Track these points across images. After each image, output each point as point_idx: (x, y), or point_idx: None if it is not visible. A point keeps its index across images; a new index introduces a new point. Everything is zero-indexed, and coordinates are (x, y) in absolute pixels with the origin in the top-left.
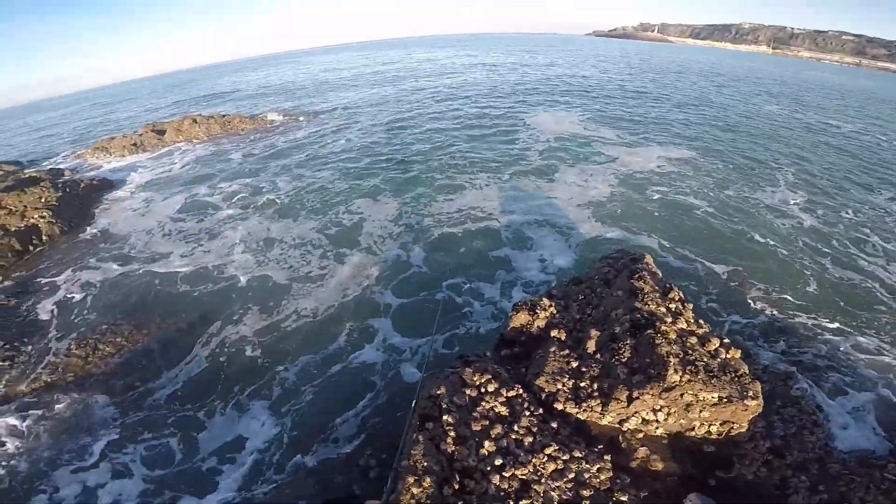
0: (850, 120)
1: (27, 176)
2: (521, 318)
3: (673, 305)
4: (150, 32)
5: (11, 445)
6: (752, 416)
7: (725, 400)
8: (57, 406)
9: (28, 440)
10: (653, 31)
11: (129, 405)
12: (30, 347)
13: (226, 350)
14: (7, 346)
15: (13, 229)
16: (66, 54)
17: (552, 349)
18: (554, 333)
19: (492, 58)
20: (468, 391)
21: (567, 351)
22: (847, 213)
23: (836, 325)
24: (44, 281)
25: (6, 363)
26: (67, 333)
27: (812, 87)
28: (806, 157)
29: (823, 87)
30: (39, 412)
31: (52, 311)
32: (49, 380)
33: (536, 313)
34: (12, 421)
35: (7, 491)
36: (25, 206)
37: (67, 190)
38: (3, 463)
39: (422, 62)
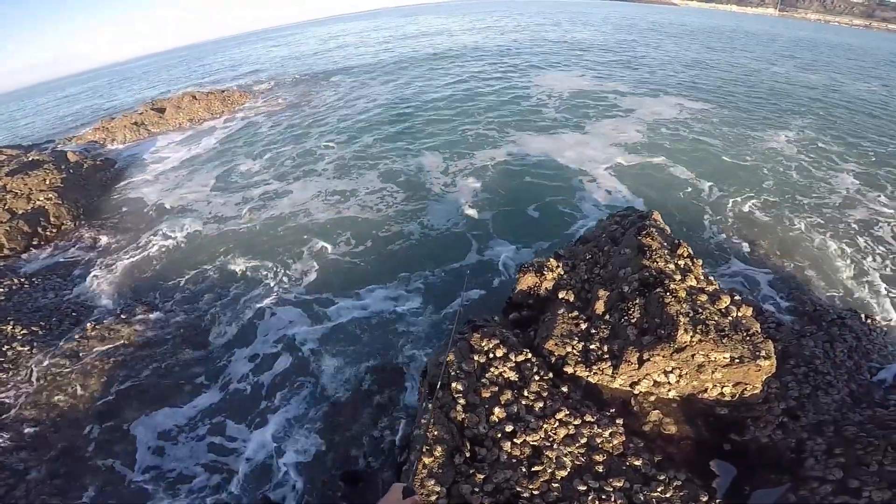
0: (863, 79)
1: (30, 159)
2: (528, 281)
3: (682, 262)
4: (145, 10)
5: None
6: (765, 377)
7: (738, 360)
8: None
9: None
10: None
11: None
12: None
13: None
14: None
15: (21, 212)
16: (63, 34)
17: (560, 311)
18: (562, 295)
19: (490, 24)
20: (477, 357)
21: (576, 312)
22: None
23: (856, 284)
24: (62, 260)
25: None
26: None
27: (821, 48)
28: (821, 111)
29: (833, 47)
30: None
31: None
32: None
33: (543, 275)
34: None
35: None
36: (31, 189)
37: (71, 171)
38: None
39: (422, 28)
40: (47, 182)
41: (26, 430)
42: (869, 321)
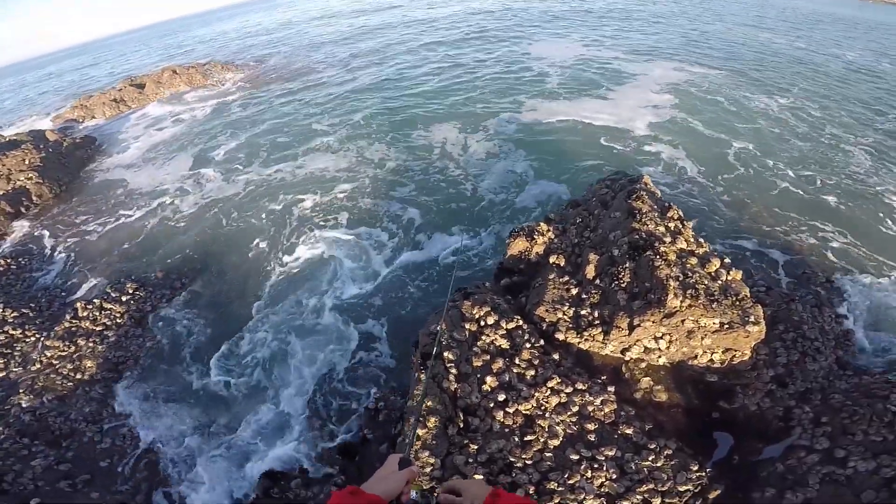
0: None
1: (7, 140)
2: (518, 245)
3: (672, 224)
4: None
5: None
6: (754, 343)
7: (727, 326)
8: None
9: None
10: None
11: None
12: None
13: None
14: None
15: (1, 193)
16: (37, 10)
17: (551, 276)
18: (553, 259)
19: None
20: (468, 325)
21: (566, 277)
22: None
23: (845, 244)
24: (47, 239)
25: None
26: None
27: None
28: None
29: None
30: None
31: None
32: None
33: (534, 239)
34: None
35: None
36: (10, 170)
37: (51, 150)
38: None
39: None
40: (27, 162)
41: (27, 416)
42: (858, 284)
